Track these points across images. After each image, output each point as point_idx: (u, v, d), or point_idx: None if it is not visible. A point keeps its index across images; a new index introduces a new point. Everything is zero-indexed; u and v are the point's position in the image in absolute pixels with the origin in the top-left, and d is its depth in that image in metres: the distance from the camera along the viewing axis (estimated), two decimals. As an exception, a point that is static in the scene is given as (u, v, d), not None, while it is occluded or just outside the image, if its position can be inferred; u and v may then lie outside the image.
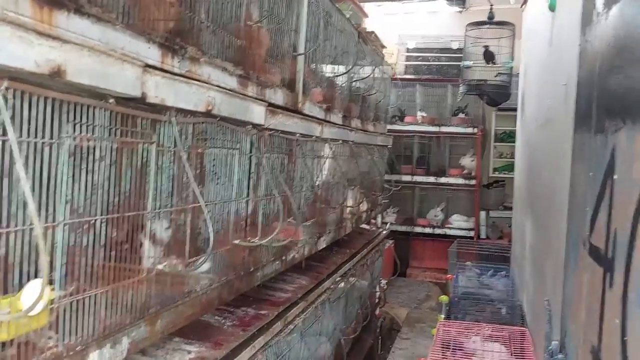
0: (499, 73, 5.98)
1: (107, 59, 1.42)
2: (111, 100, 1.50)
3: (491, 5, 5.83)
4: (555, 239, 2.44)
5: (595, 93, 1.43)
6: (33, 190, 1.32)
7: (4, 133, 1.17)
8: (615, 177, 1.16)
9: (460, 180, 8.12)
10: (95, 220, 1.54)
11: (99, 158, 1.53)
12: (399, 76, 8.22)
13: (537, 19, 4.34)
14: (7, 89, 1.18)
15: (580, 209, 1.51)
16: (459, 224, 8.16)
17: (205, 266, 2.15)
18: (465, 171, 8.13)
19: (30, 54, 1.18)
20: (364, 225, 5.76)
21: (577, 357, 1.42)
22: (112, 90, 1.47)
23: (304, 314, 3.09)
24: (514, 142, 7.25)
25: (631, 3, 1.12)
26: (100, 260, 1.59)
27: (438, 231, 8.20)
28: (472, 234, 8.06)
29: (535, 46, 4.54)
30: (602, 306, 1.17)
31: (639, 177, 0.97)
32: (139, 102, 1.61)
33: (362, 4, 6.49)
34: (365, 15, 6.75)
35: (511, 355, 3.71)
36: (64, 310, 1.45)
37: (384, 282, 6.20)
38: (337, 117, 3.90)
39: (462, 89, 6.08)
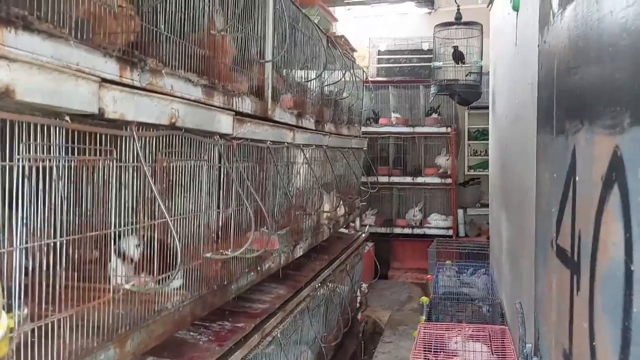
0: (469, 72, 6.01)
1: (60, 76, 1.38)
2: (67, 118, 1.45)
3: (458, 5, 5.86)
4: (528, 236, 2.45)
5: (554, 94, 1.43)
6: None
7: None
8: (577, 178, 1.16)
9: (437, 180, 8.17)
10: (56, 242, 1.49)
11: (56, 178, 1.48)
12: (371, 79, 8.24)
13: (503, 18, 4.37)
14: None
15: (547, 210, 1.51)
16: (437, 223, 8.20)
17: (177, 283, 2.10)
18: (441, 170, 8.17)
19: (-26, 75, 1.14)
20: (342, 229, 5.74)
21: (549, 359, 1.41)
22: (67, 107, 1.43)
23: (283, 324, 3.05)
24: (487, 139, 7.31)
25: (584, 3, 1.12)
26: (63, 283, 1.54)
27: (417, 231, 8.23)
28: (450, 232, 8.10)
29: (503, 45, 4.58)
30: (571, 309, 1.16)
31: (598, 179, 0.96)
32: (97, 118, 1.57)
33: (330, 8, 6.48)
34: (335, 20, 6.74)
35: (492, 354, 3.72)
36: (27, 338, 1.39)
37: (365, 285, 6.18)
38: (309, 122, 3.88)
39: (433, 89, 6.10)
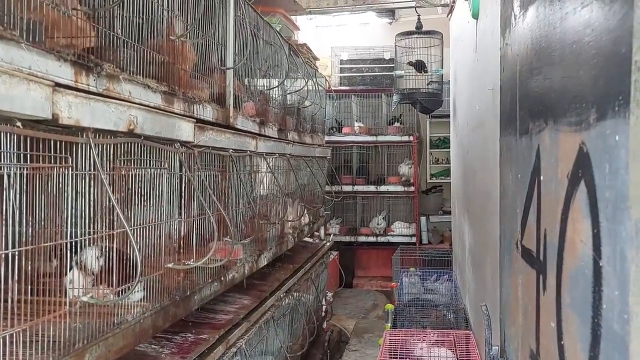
0: (430, 81, 6.09)
1: (10, 80, 1.32)
2: (18, 124, 1.39)
3: (418, 15, 5.94)
4: (491, 240, 2.47)
5: (517, 95, 1.45)
6: None
7: None
8: (541, 178, 1.16)
9: (400, 188, 8.21)
10: (7, 254, 1.42)
11: (7, 186, 1.41)
12: (334, 88, 8.26)
13: (463, 27, 4.45)
14: None
15: (511, 211, 1.52)
16: (400, 230, 8.24)
17: (138, 295, 2.04)
18: (404, 178, 8.23)
19: None
20: (307, 239, 5.71)
21: (517, 360, 1.42)
22: (18, 113, 1.36)
23: (247, 334, 3.00)
24: (448, 147, 7.42)
25: (546, 3, 1.13)
26: (15, 297, 1.47)
27: (381, 239, 8.25)
28: (414, 240, 8.15)
29: (463, 53, 4.66)
30: (538, 309, 1.16)
31: (564, 177, 0.96)
32: (51, 124, 1.51)
33: (292, 17, 6.48)
34: (297, 28, 6.74)
35: (457, 359, 3.74)
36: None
37: (330, 294, 6.16)
38: (272, 131, 3.85)
39: (395, 98, 6.15)
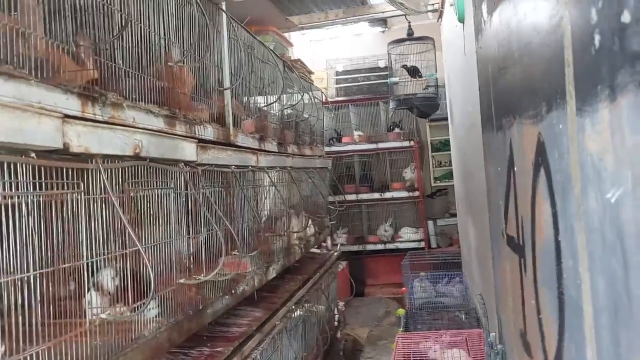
0: (427, 86, 6.19)
1: (23, 114, 1.42)
2: (32, 155, 1.49)
3: (409, 22, 6.06)
4: (489, 235, 2.55)
5: (492, 94, 1.54)
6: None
7: None
8: (515, 169, 1.26)
9: (404, 193, 8.26)
10: (29, 276, 1.51)
11: (25, 214, 1.51)
12: (330, 99, 8.36)
13: (451, 30, 4.56)
14: None
15: (495, 203, 1.61)
16: (408, 236, 8.28)
17: (153, 312, 2.13)
18: (408, 184, 8.27)
19: (-61, 118, 1.18)
20: (314, 250, 5.79)
21: (511, 344, 1.49)
22: (31, 144, 1.47)
23: (261, 346, 3.08)
24: (449, 150, 7.50)
25: (505, 9, 1.23)
26: (39, 320, 1.56)
27: (390, 246, 8.28)
28: (422, 244, 8.18)
29: (454, 56, 4.76)
30: (522, 291, 1.24)
31: (529, 166, 1.05)
32: (62, 152, 1.61)
33: (285, 33, 6.62)
34: (290, 44, 6.88)
35: (470, 357, 3.80)
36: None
37: (341, 303, 6.23)
38: (272, 145, 3.96)
39: (391, 104, 6.26)
